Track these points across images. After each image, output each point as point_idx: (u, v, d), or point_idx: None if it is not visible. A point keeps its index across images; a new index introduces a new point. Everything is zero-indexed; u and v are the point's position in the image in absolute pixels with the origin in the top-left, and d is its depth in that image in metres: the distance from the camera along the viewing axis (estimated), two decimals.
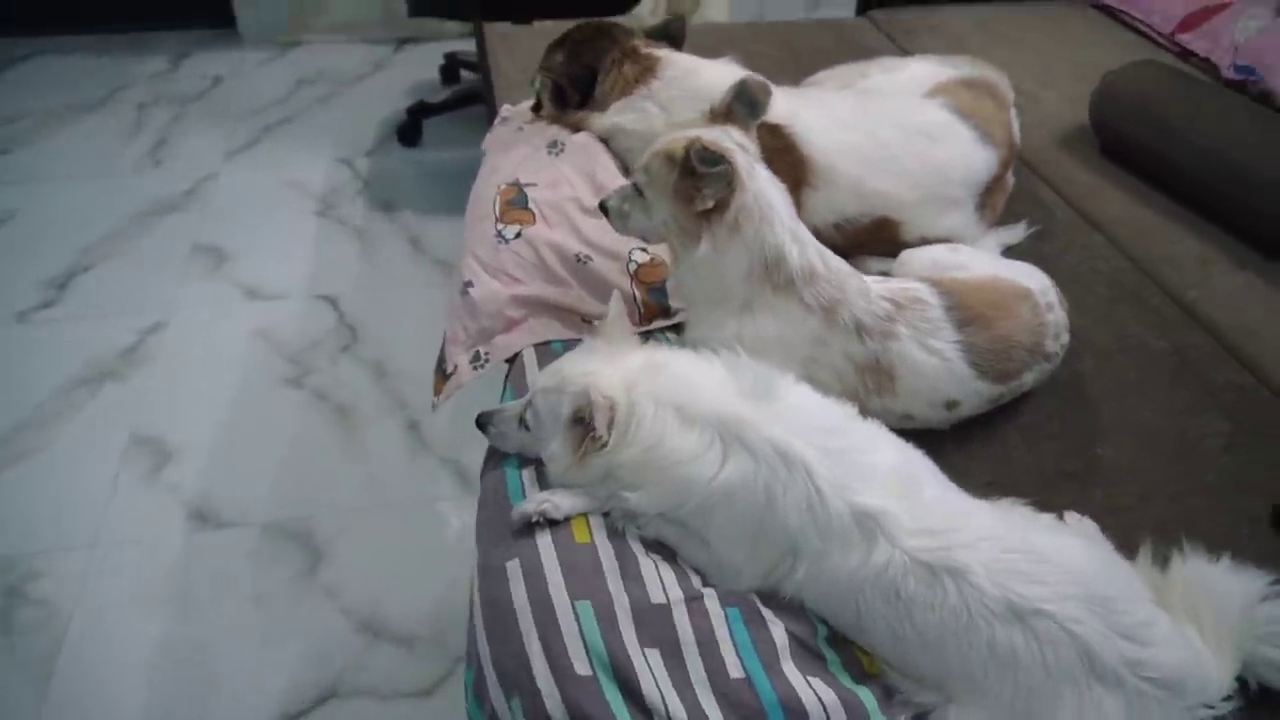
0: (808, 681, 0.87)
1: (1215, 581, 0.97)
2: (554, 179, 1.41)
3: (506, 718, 0.85)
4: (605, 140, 1.49)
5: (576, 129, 1.52)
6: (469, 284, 1.30)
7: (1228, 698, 0.89)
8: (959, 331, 1.13)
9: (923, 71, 1.66)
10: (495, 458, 1.10)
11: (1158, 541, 1.03)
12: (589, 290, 1.29)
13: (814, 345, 1.10)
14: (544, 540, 0.95)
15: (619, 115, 1.46)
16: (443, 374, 1.29)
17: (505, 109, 1.80)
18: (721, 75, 1.46)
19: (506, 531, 0.99)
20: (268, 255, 2.29)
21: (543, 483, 1.03)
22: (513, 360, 1.24)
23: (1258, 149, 1.57)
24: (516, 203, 1.38)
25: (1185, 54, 2.19)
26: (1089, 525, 1.08)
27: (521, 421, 1.04)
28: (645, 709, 0.83)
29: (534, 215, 1.35)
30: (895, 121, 1.47)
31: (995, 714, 0.85)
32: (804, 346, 1.10)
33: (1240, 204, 1.59)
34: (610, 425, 0.94)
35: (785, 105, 1.37)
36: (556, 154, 1.47)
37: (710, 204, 1.04)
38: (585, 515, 0.98)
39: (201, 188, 2.53)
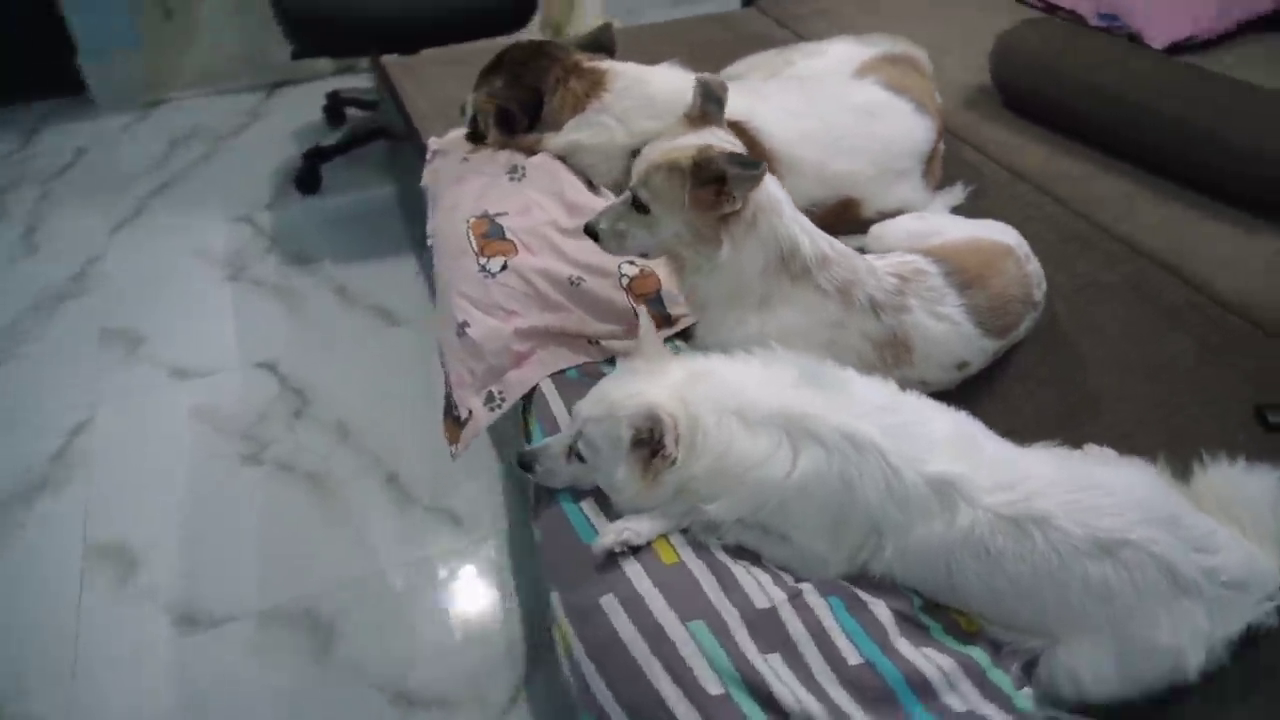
0: (922, 653, 0.90)
1: (1240, 484, 1.05)
2: (523, 205, 1.39)
3: None
4: (563, 158, 1.47)
5: (531, 152, 1.50)
6: (465, 324, 1.26)
7: None
8: (961, 295, 1.18)
9: (845, 53, 1.72)
10: (545, 498, 1.08)
11: (1169, 458, 1.11)
12: (588, 311, 1.27)
13: (833, 329, 1.13)
14: (634, 569, 0.94)
15: (576, 132, 1.45)
16: (455, 420, 1.25)
17: (434, 142, 1.75)
18: (670, 80, 1.47)
19: (587, 569, 0.97)
20: (185, 330, 2.15)
21: (607, 512, 1.02)
22: (530, 394, 1.22)
23: (1153, 89, 1.71)
24: (492, 234, 1.35)
25: (1051, 8, 2.35)
26: (1109, 453, 1.14)
27: (571, 454, 1.03)
28: (783, 713, 0.84)
29: (515, 245, 1.32)
30: (840, 104, 1.52)
31: (1099, 644, 0.90)
32: (824, 331, 1.13)
33: (1145, 141, 1.72)
34: (677, 440, 0.94)
35: (741, 101, 1.39)
36: (518, 180, 1.44)
37: (738, 206, 1.05)
38: (665, 535, 0.98)
39: (91, 269, 2.35)
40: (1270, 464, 1.08)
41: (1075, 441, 1.17)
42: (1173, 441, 1.16)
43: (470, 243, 1.34)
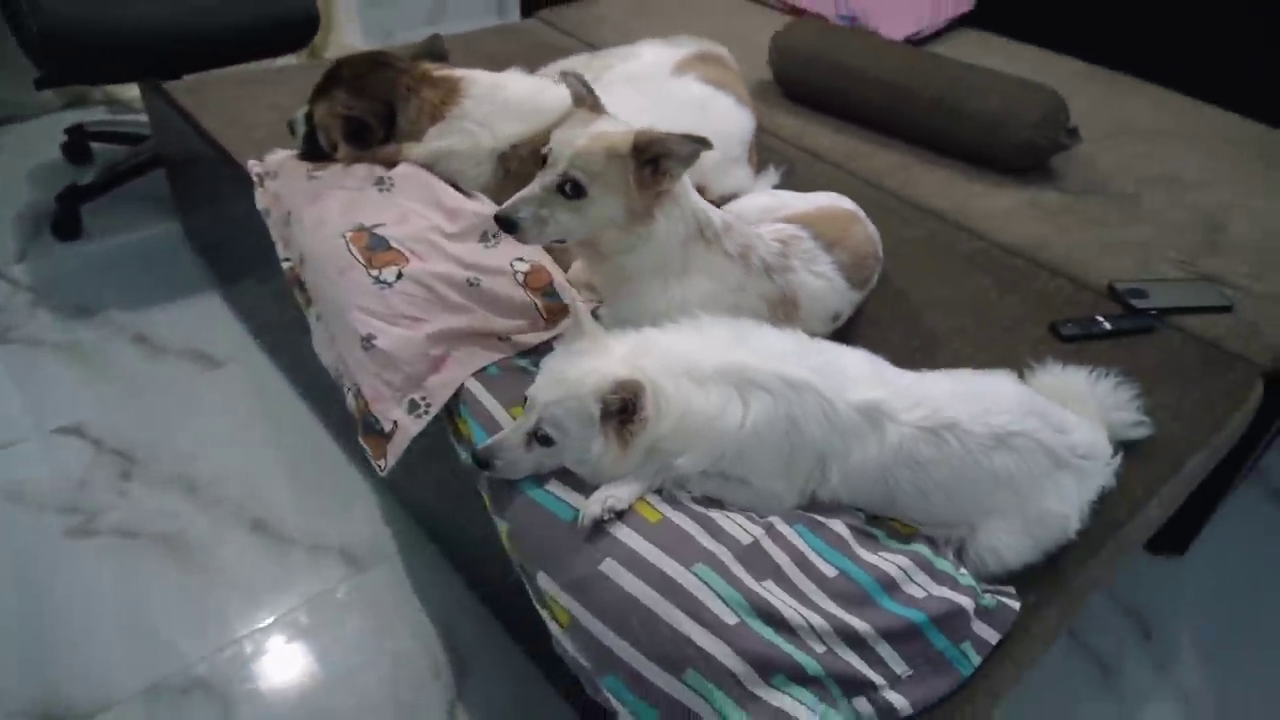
0: (880, 556, 1.04)
1: (1063, 380, 1.30)
2: (400, 215, 1.38)
3: (686, 694, 0.89)
4: (428, 166, 1.47)
5: (391, 163, 1.48)
6: (370, 337, 1.24)
7: (1114, 454, 1.22)
8: (830, 254, 1.34)
9: (658, 54, 1.86)
10: (504, 492, 1.10)
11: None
12: (490, 310, 1.29)
13: (736, 293, 1.25)
14: (624, 533, 1.00)
15: (441, 140, 1.45)
16: (380, 435, 1.22)
17: (256, 165, 1.67)
18: (524, 84, 1.52)
19: (576, 543, 1.00)
20: None
21: (575, 489, 1.06)
22: (454, 397, 1.22)
23: (908, 73, 2.01)
24: (375, 246, 1.32)
25: (796, 11, 2.65)
26: (970, 371, 1.35)
27: (532, 441, 1.06)
28: (792, 630, 0.94)
29: (403, 253, 1.31)
30: (674, 100, 1.65)
31: (1010, 522, 1.09)
32: (729, 295, 1.24)
33: (908, 118, 2.01)
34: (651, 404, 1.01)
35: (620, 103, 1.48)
36: (387, 190, 1.42)
37: (675, 182, 1.12)
38: (643, 498, 1.04)
39: None
40: (1076, 364, 1.34)
41: (932, 368, 1.38)
42: (999, 359, 1.40)
43: (355, 256, 1.31)
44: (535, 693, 1.44)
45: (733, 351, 1.07)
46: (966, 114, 1.93)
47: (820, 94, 2.12)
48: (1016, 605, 1.05)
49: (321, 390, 1.86)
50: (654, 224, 1.17)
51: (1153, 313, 1.56)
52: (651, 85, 1.69)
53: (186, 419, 1.87)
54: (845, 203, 1.49)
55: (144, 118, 2.86)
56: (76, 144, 2.62)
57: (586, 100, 1.20)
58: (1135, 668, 1.58)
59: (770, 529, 1.02)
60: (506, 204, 1.15)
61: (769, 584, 0.97)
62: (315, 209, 1.42)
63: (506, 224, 1.15)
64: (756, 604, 0.94)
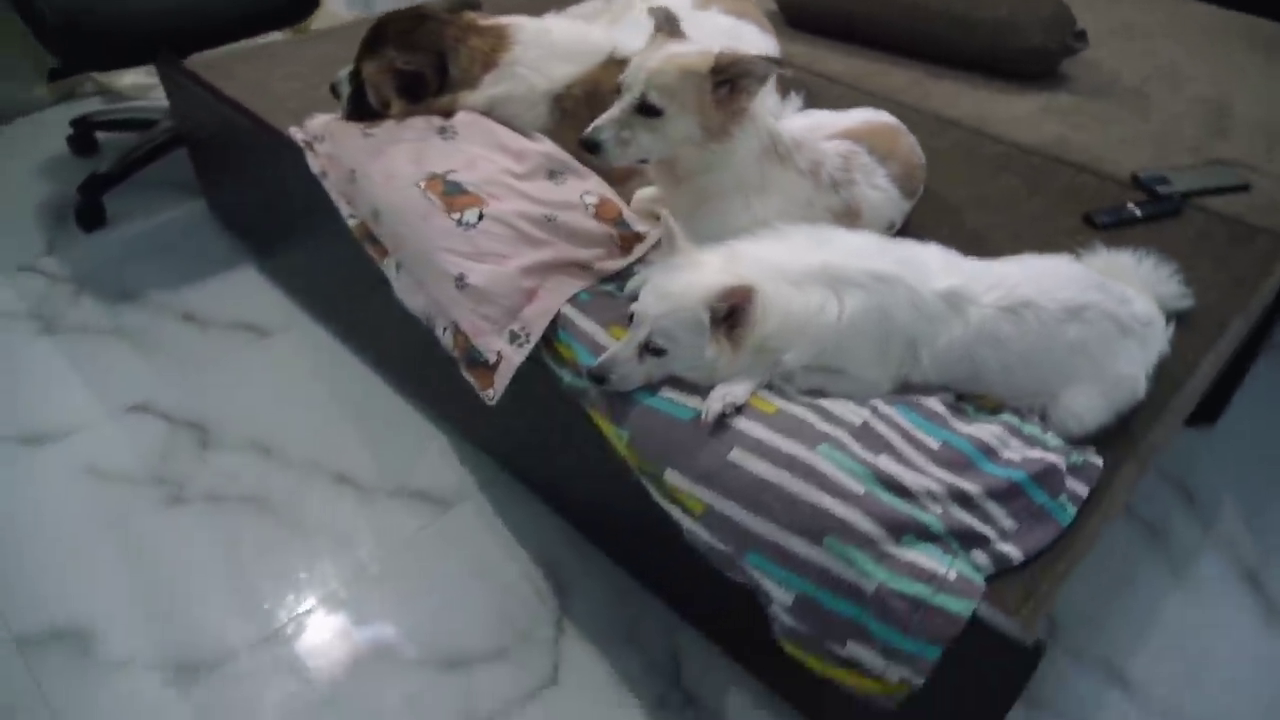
0: (975, 427, 1.12)
1: (1113, 262, 1.39)
2: (468, 160, 1.42)
3: (828, 558, 0.98)
4: (486, 113, 1.51)
5: (447, 113, 1.52)
6: (462, 276, 1.29)
7: (1166, 323, 1.31)
8: (884, 167, 1.41)
9: None
10: (619, 406, 1.16)
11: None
12: (569, 242, 1.35)
13: (806, 207, 1.32)
14: (746, 424, 1.08)
15: (496, 87, 1.50)
16: (484, 366, 1.28)
17: (298, 132, 1.71)
18: (568, 28, 1.57)
19: (700, 439, 1.08)
20: (16, 397, 1.89)
21: (686, 392, 1.14)
22: (552, 324, 1.28)
23: None
24: (451, 191, 1.38)
25: None
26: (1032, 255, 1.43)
27: (644, 352, 1.13)
28: (912, 495, 1.02)
29: (480, 196, 1.37)
30: (709, 33, 1.68)
31: (1087, 387, 1.18)
32: (800, 210, 1.31)
33: (917, 32, 2.08)
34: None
35: (634, 37, 1.53)
36: (451, 138, 1.47)
37: (751, 100, 1.19)
38: (755, 393, 1.12)
39: None
40: (1115, 248, 1.43)
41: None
42: (1044, 248, 1.48)
43: (434, 202, 1.36)
44: (633, 598, 1.53)
45: (819, 253, 1.15)
46: (976, 23, 2.00)
47: (826, 18, 2.18)
48: (1100, 462, 1.15)
49: (375, 345, 1.92)
50: (731, 141, 1.23)
51: (1177, 197, 1.65)
52: (690, 20, 1.73)
53: (248, 387, 1.92)
54: (886, 117, 1.55)
55: (145, 103, 2.88)
56: (82, 136, 2.62)
57: (665, 28, 1.25)
58: (1182, 529, 1.70)
59: (875, 410, 1.11)
60: (590, 127, 1.21)
61: (883, 457, 1.06)
62: (381, 163, 1.47)
63: (591, 145, 1.22)
64: (878, 474, 1.02)
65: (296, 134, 1.72)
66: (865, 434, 1.07)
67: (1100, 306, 1.18)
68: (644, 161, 1.26)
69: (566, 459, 1.51)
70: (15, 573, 1.56)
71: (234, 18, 2.18)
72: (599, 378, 1.14)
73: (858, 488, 1.00)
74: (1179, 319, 1.38)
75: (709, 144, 1.21)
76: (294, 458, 1.77)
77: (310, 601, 1.52)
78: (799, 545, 0.99)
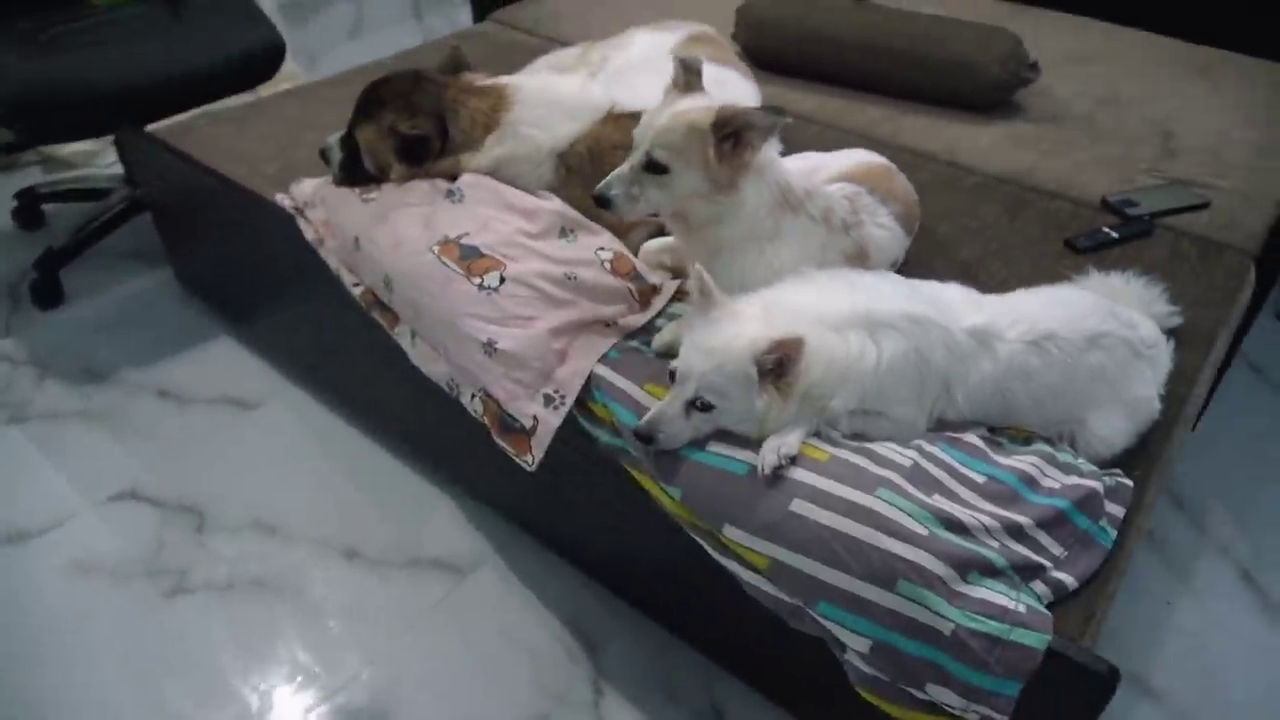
0: (1014, 459, 1.16)
1: (1108, 285, 1.45)
2: (481, 223, 1.42)
3: (902, 603, 1.00)
4: (489, 173, 1.51)
5: (450, 176, 1.51)
6: (491, 342, 1.28)
7: (1167, 341, 1.38)
8: (885, 206, 1.46)
9: (651, 40, 1.94)
10: (669, 464, 1.16)
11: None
12: (591, 299, 1.36)
13: (822, 251, 1.35)
14: (802, 474, 1.09)
15: (500, 147, 1.50)
16: (520, 432, 1.27)
17: (284, 198, 1.68)
18: (566, 84, 1.58)
19: (757, 492, 1.09)
20: None
21: (734, 446, 1.15)
22: (585, 384, 1.28)
23: (878, 30, 2.14)
24: (469, 255, 1.37)
25: None
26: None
27: (691, 409, 1.14)
28: (970, 532, 1.05)
29: (498, 259, 1.36)
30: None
31: (1112, 411, 1.23)
32: (816, 254, 1.34)
33: (883, 72, 2.15)
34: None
35: (621, 94, 1.55)
36: (459, 201, 1.46)
37: (756, 154, 1.21)
38: (805, 441, 1.13)
39: None
40: (1097, 271, 1.51)
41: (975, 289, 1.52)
42: (1032, 275, 1.55)
43: (451, 268, 1.35)
44: (667, 651, 1.52)
45: (852, 298, 1.18)
46: (937, 62, 2.08)
47: (792, 60, 2.23)
48: (1130, 483, 1.20)
49: (370, 410, 1.88)
50: (740, 194, 1.25)
51: (1146, 218, 1.74)
52: (662, 67, 1.76)
53: (239, 464, 1.86)
54: (877, 158, 1.60)
55: (93, 171, 2.78)
56: (28, 208, 2.52)
57: (681, 81, 1.27)
58: (1178, 535, 1.77)
59: (921, 450, 1.13)
60: (601, 183, 1.24)
61: (937, 497, 1.08)
62: (386, 230, 1.45)
63: (602, 201, 1.24)
64: (937, 514, 1.05)
65: (284, 200, 1.69)
66: (917, 475, 1.10)
67: (1116, 333, 1.24)
68: (655, 215, 1.28)
69: (589, 515, 1.51)
70: (9, 684, 1.47)
71: (196, 83, 2.13)
72: (647, 438, 1.14)
73: (920, 530, 1.02)
74: (1170, 335, 1.45)
75: (716, 197, 1.23)
76: (299, 535, 1.72)
77: (337, 688, 1.47)
78: (871, 592, 1.01)
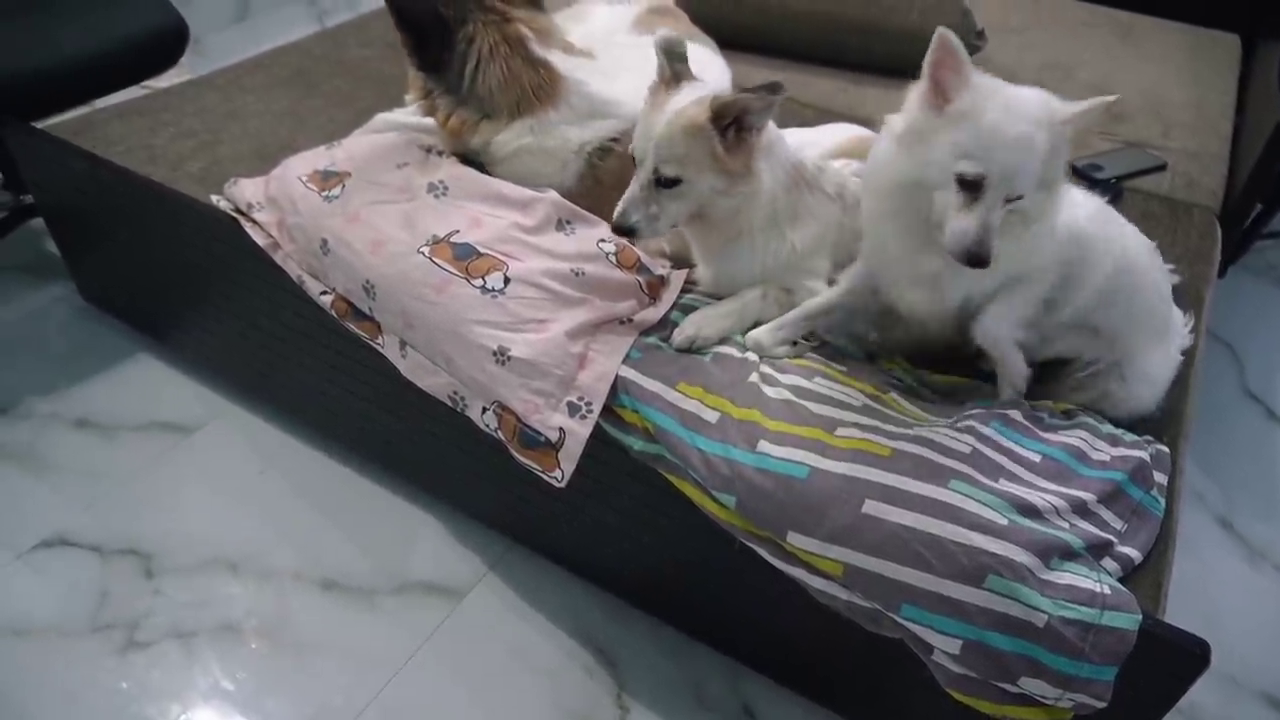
0: (1062, 435, 1.14)
1: None
2: (470, 219, 1.29)
3: (993, 599, 0.96)
4: (492, 160, 1.37)
5: (459, 139, 1.37)
6: (503, 350, 1.17)
7: None
8: None
9: (609, 14, 1.83)
10: (723, 470, 1.08)
11: None
12: (602, 295, 1.26)
13: (839, 230, 1.29)
14: (868, 473, 1.04)
15: (530, 137, 1.36)
16: (546, 447, 1.17)
17: (221, 200, 1.52)
18: (620, 84, 1.42)
19: (826, 496, 1.03)
20: None
21: (794, 447, 1.08)
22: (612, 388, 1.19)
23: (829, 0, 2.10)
24: (464, 255, 1.24)
25: None
26: None
27: (658, 188, 1.15)
28: (1043, 515, 1.02)
29: (497, 257, 1.24)
30: None
31: (1156, 346, 1.24)
32: (834, 233, 1.29)
33: (837, 43, 2.11)
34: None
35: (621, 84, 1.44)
36: (442, 195, 1.33)
37: (760, 135, 1.13)
38: (870, 439, 1.08)
39: None
40: None
41: None
42: None
43: (447, 269, 1.22)
44: (688, 655, 1.45)
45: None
46: (889, 31, 2.05)
47: (745, 33, 2.16)
48: (1166, 449, 1.20)
49: (329, 426, 1.72)
50: (756, 179, 1.19)
51: (1113, 181, 1.76)
52: (634, 47, 1.65)
53: (183, 496, 1.67)
54: (864, 131, 1.55)
55: None
56: None
57: (668, 74, 1.17)
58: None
59: (979, 437, 1.10)
60: (617, 214, 1.16)
61: (1003, 481, 1.05)
62: (363, 230, 1.31)
63: (624, 231, 1.17)
64: (1012, 501, 1.01)
65: (223, 204, 1.51)
66: (980, 461, 1.06)
67: (1165, 267, 1.24)
68: (675, 225, 1.20)
69: (595, 521, 1.41)
70: None
71: (84, 73, 1.88)
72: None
73: (1000, 519, 0.99)
74: None
75: (735, 188, 1.17)
76: (267, 570, 1.56)
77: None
78: (960, 591, 0.96)
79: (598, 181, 1.37)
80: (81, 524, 1.61)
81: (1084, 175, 1.78)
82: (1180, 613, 1.41)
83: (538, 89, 1.36)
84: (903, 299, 1.14)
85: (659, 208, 1.15)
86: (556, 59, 1.39)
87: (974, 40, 2.07)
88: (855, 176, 1.34)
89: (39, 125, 1.76)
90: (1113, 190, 1.74)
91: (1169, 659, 0.97)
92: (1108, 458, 1.12)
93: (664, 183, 1.14)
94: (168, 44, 2.01)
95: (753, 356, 1.18)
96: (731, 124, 1.13)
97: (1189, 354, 1.38)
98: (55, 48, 1.85)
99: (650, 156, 1.13)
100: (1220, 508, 1.79)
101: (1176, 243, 1.62)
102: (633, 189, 1.15)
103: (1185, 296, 1.46)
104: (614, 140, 1.38)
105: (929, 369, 1.28)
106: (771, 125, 1.22)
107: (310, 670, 1.41)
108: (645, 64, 1.46)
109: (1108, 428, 1.18)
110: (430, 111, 1.39)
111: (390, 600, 1.52)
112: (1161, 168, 1.83)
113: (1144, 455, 1.13)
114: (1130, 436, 1.18)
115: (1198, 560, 1.68)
